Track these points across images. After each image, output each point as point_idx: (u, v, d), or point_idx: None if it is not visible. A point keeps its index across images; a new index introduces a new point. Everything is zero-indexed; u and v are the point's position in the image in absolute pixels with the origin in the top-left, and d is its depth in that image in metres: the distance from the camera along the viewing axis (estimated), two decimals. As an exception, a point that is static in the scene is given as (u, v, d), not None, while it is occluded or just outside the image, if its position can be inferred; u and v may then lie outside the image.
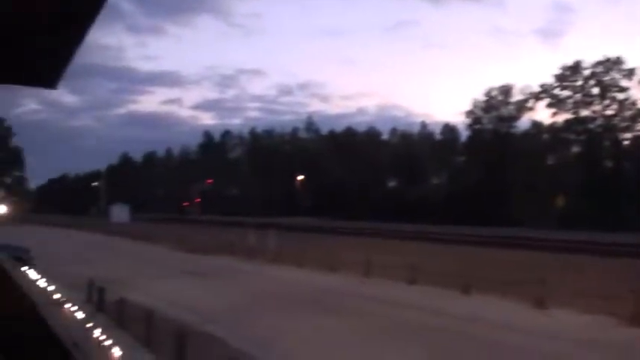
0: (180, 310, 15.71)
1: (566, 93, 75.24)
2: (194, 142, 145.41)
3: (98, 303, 15.64)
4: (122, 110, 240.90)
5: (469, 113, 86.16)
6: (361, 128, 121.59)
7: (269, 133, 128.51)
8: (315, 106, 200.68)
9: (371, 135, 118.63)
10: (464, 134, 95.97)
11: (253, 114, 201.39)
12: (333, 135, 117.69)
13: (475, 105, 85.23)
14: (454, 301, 17.21)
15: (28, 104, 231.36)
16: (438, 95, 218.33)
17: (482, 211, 67.21)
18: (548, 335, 12.76)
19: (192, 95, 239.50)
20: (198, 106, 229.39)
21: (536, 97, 78.41)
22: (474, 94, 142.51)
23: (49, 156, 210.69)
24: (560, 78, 75.06)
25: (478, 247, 34.21)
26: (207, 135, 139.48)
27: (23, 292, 4.25)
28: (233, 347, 11.61)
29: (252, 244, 31.84)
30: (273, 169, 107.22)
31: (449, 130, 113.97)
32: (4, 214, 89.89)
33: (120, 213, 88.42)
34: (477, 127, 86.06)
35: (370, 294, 18.62)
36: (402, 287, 19.80)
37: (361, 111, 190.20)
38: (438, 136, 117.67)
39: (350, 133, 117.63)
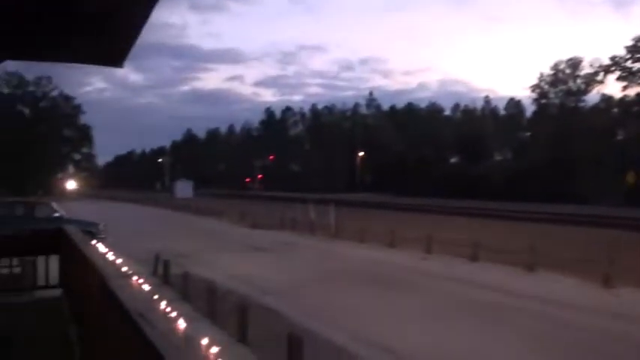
0: (243, 284, 15.99)
1: (638, 65, 72.28)
2: (256, 118, 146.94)
3: (163, 276, 16.10)
4: (186, 87, 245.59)
5: (535, 87, 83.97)
6: (423, 104, 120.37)
7: (330, 110, 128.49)
8: (376, 82, 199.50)
9: (432, 110, 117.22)
10: (529, 109, 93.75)
11: (314, 90, 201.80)
12: (394, 111, 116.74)
13: (542, 79, 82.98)
14: (518, 278, 16.95)
15: (95, 83, 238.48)
16: (503, 69, 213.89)
17: (547, 187, 65.67)
18: (615, 315, 12.45)
19: (254, 72, 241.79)
20: (259, 83, 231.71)
21: (607, 69, 75.65)
22: (540, 67, 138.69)
23: (115, 133, 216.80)
24: (632, 49, 72.08)
25: (543, 224, 33.52)
26: (269, 112, 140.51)
27: (93, 265, 4.41)
28: (294, 322, 11.76)
29: (314, 220, 32.05)
30: (333, 146, 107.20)
31: (513, 104, 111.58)
32: (74, 189, 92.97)
33: (184, 188, 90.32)
34: (544, 101, 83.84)
35: (432, 270, 18.53)
36: (464, 264, 19.63)
37: (423, 86, 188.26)
38: (502, 112, 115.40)
39: (411, 109, 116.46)
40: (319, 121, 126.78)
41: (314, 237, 29.00)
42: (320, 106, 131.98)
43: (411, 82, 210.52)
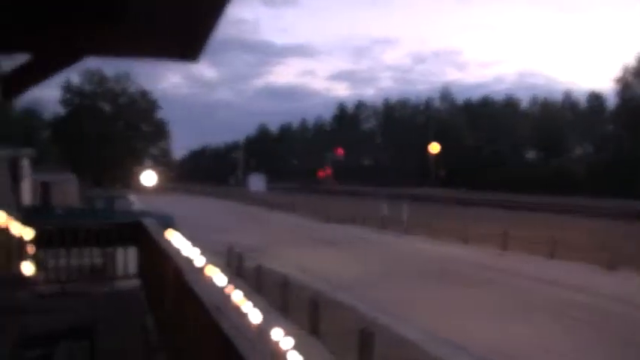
0: (314, 278, 16.08)
1: None
2: (328, 112, 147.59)
3: (237, 269, 16.40)
4: (259, 83, 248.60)
5: (619, 80, 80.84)
6: (499, 97, 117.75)
7: (403, 104, 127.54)
8: (451, 75, 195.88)
9: (509, 104, 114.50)
10: (611, 102, 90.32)
11: (387, 84, 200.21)
12: (468, 104, 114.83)
13: (626, 70, 79.80)
14: (598, 277, 16.40)
15: (171, 79, 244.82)
16: (583, 61, 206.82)
17: (631, 182, 63.20)
18: None
19: (326, 66, 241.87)
20: (332, 77, 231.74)
21: (696, 59, 72.02)
22: (624, 59, 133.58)
23: (191, 128, 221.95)
24: None
25: (624, 221, 32.26)
26: (341, 106, 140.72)
27: (169, 257, 4.52)
28: (365, 316, 11.75)
29: (385, 215, 31.90)
30: (406, 140, 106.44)
31: (594, 97, 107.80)
32: (154, 185, 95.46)
33: (257, 183, 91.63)
34: (628, 94, 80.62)
35: (507, 267, 18.15)
36: (541, 261, 19.14)
37: (499, 79, 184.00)
38: (582, 105, 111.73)
39: (487, 103, 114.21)
40: (392, 115, 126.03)
41: (386, 232, 28.88)
42: (393, 101, 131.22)
43: (487, 74, 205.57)
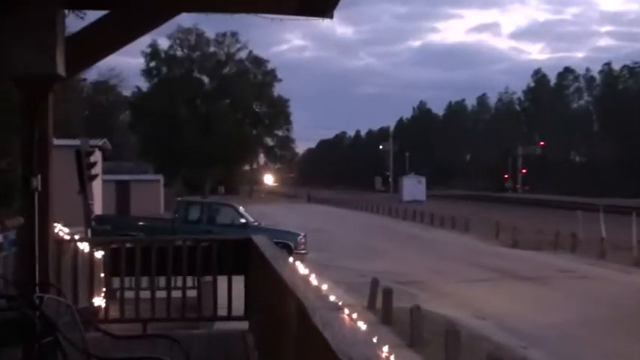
0: (496, 327, 15.89)
1: None
2: (517, 85, 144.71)
3: (384, 311, 16.49)
4: (415, 43, 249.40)
5: None
6: None
7: (631, 71, 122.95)
8: None
9: None
10: None
11: (605, 42, 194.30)
12: None
13: None
14: None
15: (291, 40, 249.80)
16: None
17: None
18: None
19: (514, 18, 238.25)
20: (521, 34, 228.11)
21: None
22: None
23: (317, 110, 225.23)
24: None
25: None
26: (537, 75, 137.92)
27: (290, 291, 4.64)
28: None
29: (605, 238, 30.94)
30: (637, 125, 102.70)
31: None
32: (269, 186, 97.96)
33: (413, 188, 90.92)
34: None
35: None
36: None
37: None
38: None
39: None
40: (616, 88, 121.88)
41: (604, 262, 28.02)
42: (617, 66, 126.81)
43: None
